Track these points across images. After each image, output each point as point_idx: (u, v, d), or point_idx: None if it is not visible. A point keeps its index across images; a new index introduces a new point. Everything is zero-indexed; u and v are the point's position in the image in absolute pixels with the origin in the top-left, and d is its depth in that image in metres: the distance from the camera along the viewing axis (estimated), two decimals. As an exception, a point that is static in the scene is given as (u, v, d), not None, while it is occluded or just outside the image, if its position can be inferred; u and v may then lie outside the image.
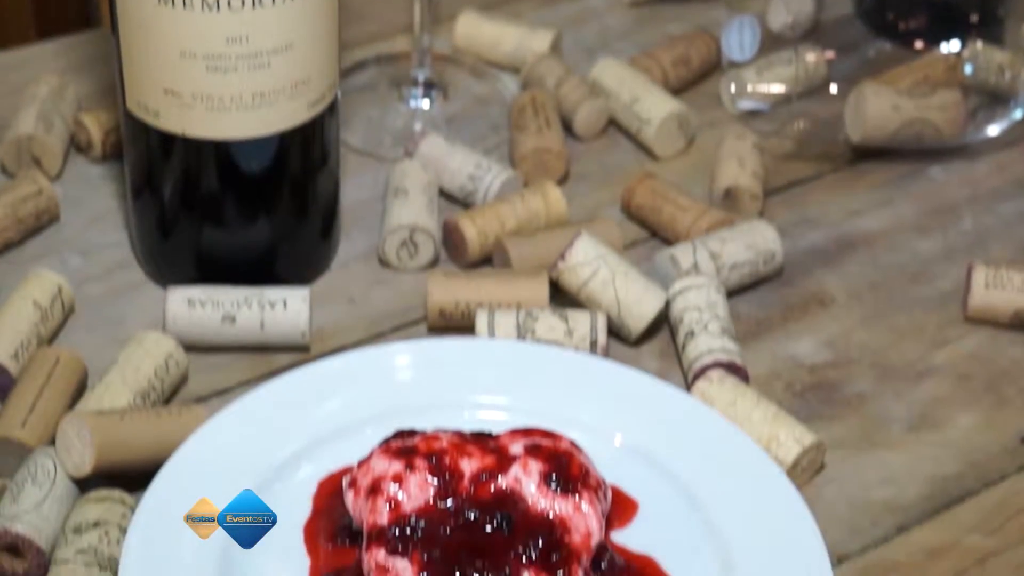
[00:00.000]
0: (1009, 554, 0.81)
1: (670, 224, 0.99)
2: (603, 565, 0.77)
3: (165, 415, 0.83)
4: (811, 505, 0.80)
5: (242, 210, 0.92)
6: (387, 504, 0.76)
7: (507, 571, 0.74)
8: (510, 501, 0.76)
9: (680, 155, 1.07)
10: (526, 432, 0.80)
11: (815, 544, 0.78)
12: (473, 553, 0.74)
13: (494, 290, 0.92)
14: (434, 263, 0.97)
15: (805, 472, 0.84)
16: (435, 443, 0.78)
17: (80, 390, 0.86)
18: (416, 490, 0.76)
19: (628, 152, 1.07)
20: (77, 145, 1.04)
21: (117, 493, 0.79)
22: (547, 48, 1.12)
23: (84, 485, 0.80)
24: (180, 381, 0.88)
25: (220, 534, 0.77)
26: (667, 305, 0.92)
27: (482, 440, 0.79)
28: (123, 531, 0.77)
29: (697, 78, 1.13)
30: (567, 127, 1.07)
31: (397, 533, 0.75)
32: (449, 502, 0.76)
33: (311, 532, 0.79)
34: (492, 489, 0.77)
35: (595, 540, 0.76)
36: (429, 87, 1.09)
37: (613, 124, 1.09)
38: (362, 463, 0.78)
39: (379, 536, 0.75)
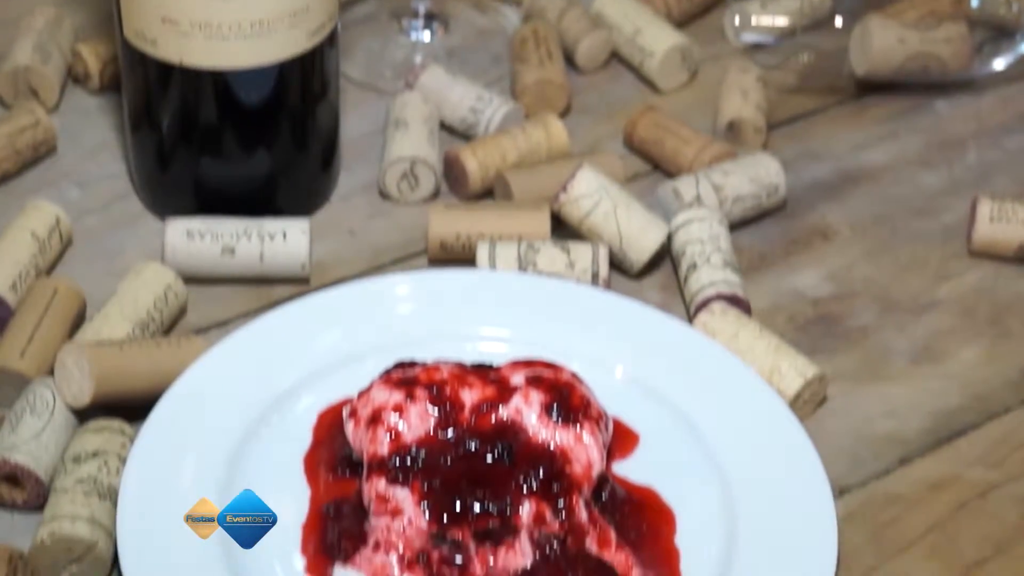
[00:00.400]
0: (1011, 486, 0.81)
1: (672, 157, 0.98)
2: (604, 496, 0.77)
3: (164, 346, 0.82)
4: (813, 437, 0.80)
5: (241, 141, 0.91)
6: (387, 434, 0.75)
7: (507, 501, 0.73)
8: (511, 432, 0.76)
9: (683, 88, 1.06)
10: (527, 363, 0.79)
11: (817, 476, 0.78)
12: (473, 483, 0.74)
13: (495, 222, 0.91)
14: (435, 196, 0.96)
15: (807, 404, 0.84)
16: (436, 374, 0.78)
17: (78, 321, 0.85)
18: (416, 420, 0.76)
19: (630, 85, 1.06)
20: (74, 76, 1.03)
21: (116, 423, 0.78)
22: (549, -20, 1.11)
23: (83, 416, 0.79)
24: (179, 313, 0.88)
25: (221, 468, 0.77)
26: (669, 238, 0.91)
27: (483, 371, 0.79)
28: (123, 461, 0.77)
29: (700, 11, 1.12)
30: (569, 60, 1.06)
31: (397, 463, 0.74)
32: (450, 432, 0.76)
33: (311, 463, 0.79)
34: (493, 420, 0.76)
35: (596, 471, 0.76)
36: (430, 19, 1.08)
37: (615, 57, 1.08)
38: (362, 394, 0.78)
39: (379, 466, 0.75)
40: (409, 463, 0.74)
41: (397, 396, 0.77)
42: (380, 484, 0.74)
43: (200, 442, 0.78)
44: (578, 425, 0.76)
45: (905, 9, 1.07)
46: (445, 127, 1.01)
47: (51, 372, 0.81)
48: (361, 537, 0.74)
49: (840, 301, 0.91)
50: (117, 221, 0.94)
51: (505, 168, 0.96)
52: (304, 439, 0.80)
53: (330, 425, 0.80)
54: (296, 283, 0.90)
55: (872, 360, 0.88)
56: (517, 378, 0.78)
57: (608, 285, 0.89)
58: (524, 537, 0.73)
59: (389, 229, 0.95)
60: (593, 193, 0.91)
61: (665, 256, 0.93)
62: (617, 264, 0.91)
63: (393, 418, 0.76)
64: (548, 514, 0.73)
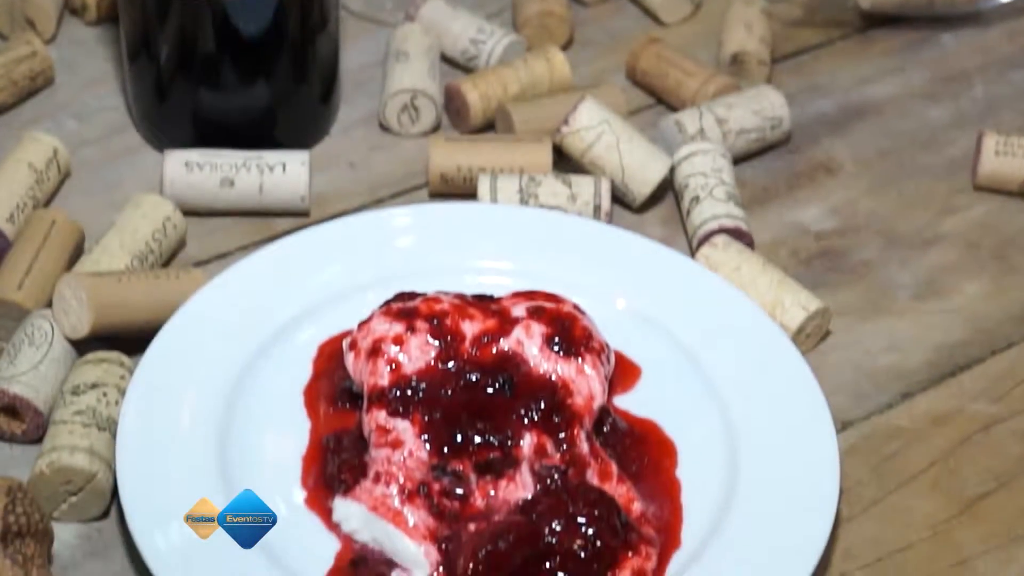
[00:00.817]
0: (1014, 421, 0.81)
1: (676, 90, 0.97)
2: (605, 429, 0.76)
3: (163, 278, 0.82)
4: (816, 371, 0.79)
5: (240, 73, 0.90)
6: (388, 366, 0.75)
7: (508, 433, 0.73)
8: (512, 363, 0.76)
9: (686, 21, 1.05)
10: (529, 295, 0.79)
11: (819, 410, 0.77)
12: (474, 414, 0.73)
13: (496, 155, 0.91)
14: (435, 128, 0.96)
15: (810, 338, 0.84)
16: (436, 305, 0.77)
17: (77, 253, 0.85)
18: (417, 352, 0.75)
19: (633, 17, 1.05)
20: (71, 7, 1.02)
21: (116, 355, 0.78)
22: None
23: (82, 348, 0.79)
24: (178, 245, 0.87)
25: (220, 400, 0.76)
26: (672, 171, 0.91)
27: (484, 303, 0.78)
28: (122, 393, 0.76)
29: (704, -57, 1.11)
30: (571, -8, 1.05)
31: (398, 394, 0.74)
32: (450, 364, 0.75)
33: (311, 395, 0.78)
34: (494, 351, 0.76)
35: (597, 403, 0.76)
36: (431, -50, 1.06)
37: (618, -11, 1.07)
38: (362, 325, 0.77)
39: (380, 397, 0.74)
40: (409, 394, 0.74)
41: (397, 327, 0.76)
42: (380, 416, 0.74)
43: (199, 374, 0.77)
44: (579, 357, 0.76)
45: (911, -59, 1.06)
46: (446, 59, 1.00)
47: (49, 304, 0.80)
48: (361, 469, 0.73)
49: (844, 235, 0.91)
50: (115, 153, 0.93)
51: (506, 100, 0.95)
52: (304, 371, 0.79)
53: (330, 357, 0.79)
54: (296, 216, 0.90)
55: (875, 294, 0.87)
56: (518, 310, 0.78)
57: (610, 218, 0.89)
58: (525, 469, 0.73)
59: (389, 162, 0.94)
60: (595, 125, 0.90)
61: (667, 190, 0.92)
62: (619, 197, 0.91)
63: (393, 350, 0.75)
64: (549, 446, 0.73)
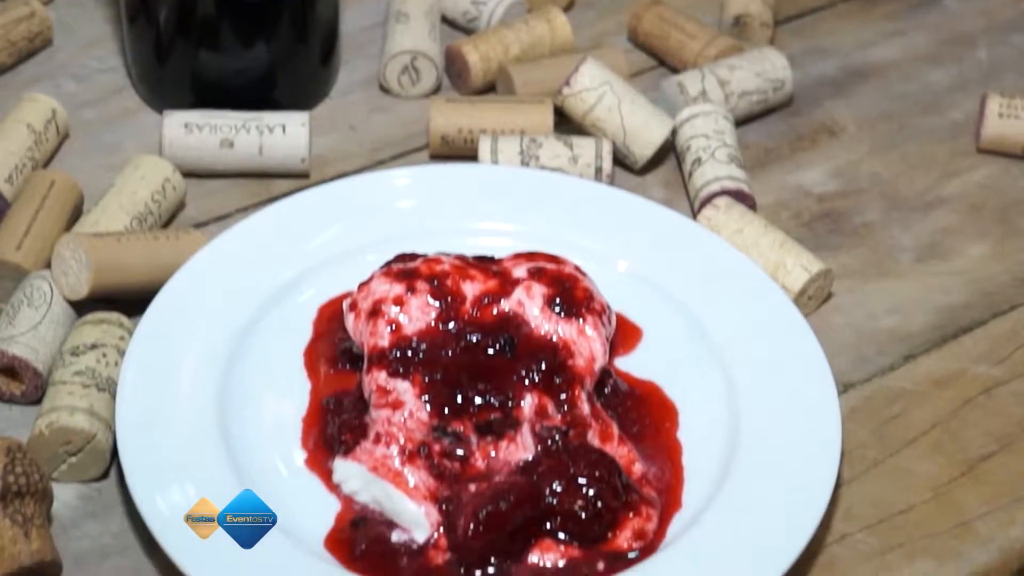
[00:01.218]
0: (1016, 384, 0.81)
1: (678, 51, 0.97)
2: (606, 390, 0.76)
3: (163, 239, 0.81)
4: (818, 333, 0.79)
5: (239, 34, 0.90)
6: (388, 327, 0.75)
7: (509, 394, 0.73)
8: (513, 324, 0.75)
9: (689, -18, 1.04)
10: (530, 256, 0.78)
11: (821, 372, 0.77)
12: (475, 375, 0.73)
13: (497, 116, 0.90)
14: (436, 90, 0.95)
15: (812, 300, 0.83)
16: (437, 266, 0.77)
17: (76, 214, 0.84)
18: (417, 312, 0.75)
19: (636, -21, 1.05)
20: (70, -32, 1.01)
21: (115, 316, 0.78)
22: None
23: (81, 309, 0.79)
24: (177, 206, 0.87)
25: (220, 361, 0.76)
26: (674, 133, 0.90)
27: (485, 263, 0.78)
28: (121, 353, 0.76)
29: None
30: (573, -48, 1.04)
31: (398, 355, 0.74)
32: (451, 325, 0.75)
33: (311, 356, 0.78)
34: (495, 312, 0.76)
35: (598, 364, 0.75)
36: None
37: (620, -50, 1.06)
38: (362, 286, 0.77)
39: (380, 358, 0.74)
40: (410, 355, 0.74)
41: (398, 288, 0.76)
42: (381, 376, 0.74)
43: (199, 336, 0.77)
44: (581, 318, 0.76)
45: (916, -98, 1.05)
46: (447, 21, 0.99)
47: (48, 265, 0.80)
48: (362, 430, 0.73)
49: (846, 198, 0.91)
50: (114, 114, 0.93)
51: (507, 62, 0.94)
52: (304, 333, 0.79)
53: (330, 318, 0.79)
54: (296, 178, 0.89)
55: (878, 257, 0.87)
56: (519, 271, 0.77)
57: (611, 180, 0.88)
58: (526, 430, 0.72)
59: (390, 124, 0.94)
60: (597, 87, 0.90)
61: (669, 152, 0.91)
62: (621, 159, 0.90)
63: (394, 310, 0.75)
64: (550, 407, 0.73)
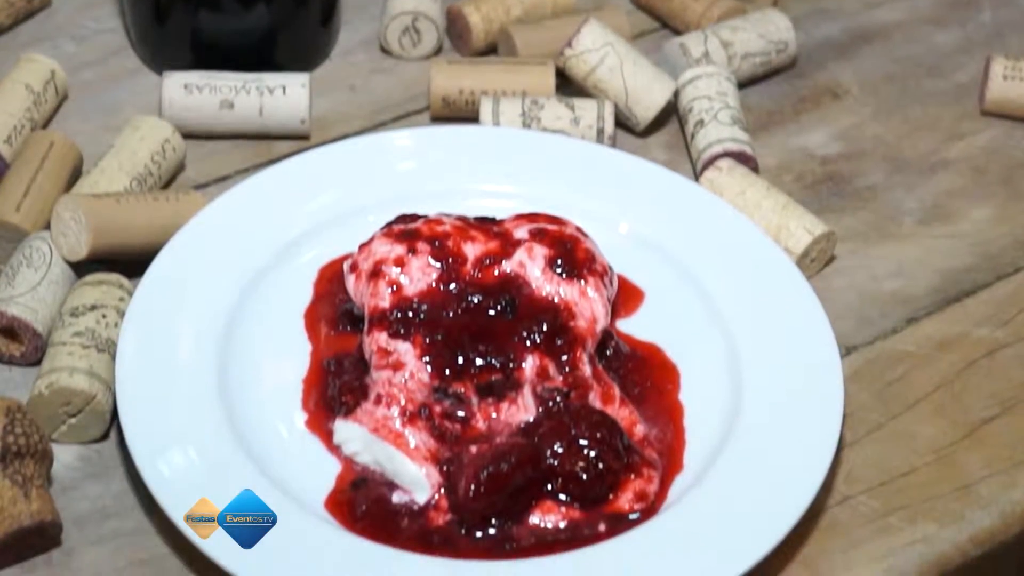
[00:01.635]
0: (1019, 346, 0.80)
1: (680, 13, 0.96)
2: (608, 352, 0.76)
3: (163, 200, 0.81)
4: (820, 296, 0.79)
5: (239, -6, 0.90)
6: (389, 288, 0.74)
7: (510, 355, 0.73)
8: (514, 285, 0.75)
9: (692, -56, 1.03)
10: (531, 217, 0.78)
11: (824, 334, 0.77)
12: (476, 337, 0.73)
13: (499, 78, 0.90)
14: (437, 51, 0.95)
15: (815, 263, 0.83)
16: (438, 227, 0.77)
17: (75, 175, 0.84)
18: (418, 273, 0.75)
19: (638, -60, 1.04)
20: (69, -72, 1.00)
21: (115, 277, 0.77)
22: None
23: (80, 270, 0.78)
24: (177, 168, 0.86)
25: (220, 322, 0.76)
26: (676, 95, 0.90)
27: (486, 224, 0.78)
28: (121, 315, 0.76)
29: None
30: (575, -87, 1.03)
31: (399, 316, 0.74)
32: (452, 286, 0.75)
33: (312, 318, 0.78)
34: (496, 273, 0.75)
35: (600, 326, 0.75)
36: None
37: (623, -90, 1.05)
38: (363, 246, 0.77)
39: (381, 319, 0.74)
40: (411, 316, 0.74)
41: (399, 249, 0.75)
42: (381, 338, 0.73)
43: (199, 297, 0.77)
44: (582, 280, 0.75)
45: None
46: (448, -19, 0.99)
47: (47, 226, 0.80)
48: (362, 391, 0.73)
49: (849, 160, 0.90)
50: (114, 76, 0.92)
51: (509, 23, 0.94)
52: (304, 294, 0.79)
53: (331, 280, 0.79)
54: (296, 139, 0.89)
55: (881, 219, 0.87)
56: (521, 232, 0.77)
57: (613, 142, 0.88)
58: (527, 391, 0.72)
59: (391, 85, 0.93)
60: (599, 48, 0.89)
61: (671, 114, 0.91)
62: (623, 121, 0.90)
63: (394, 271, 0.75)
64: (551, 368, 0.73)
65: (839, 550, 0.71)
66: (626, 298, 0.80)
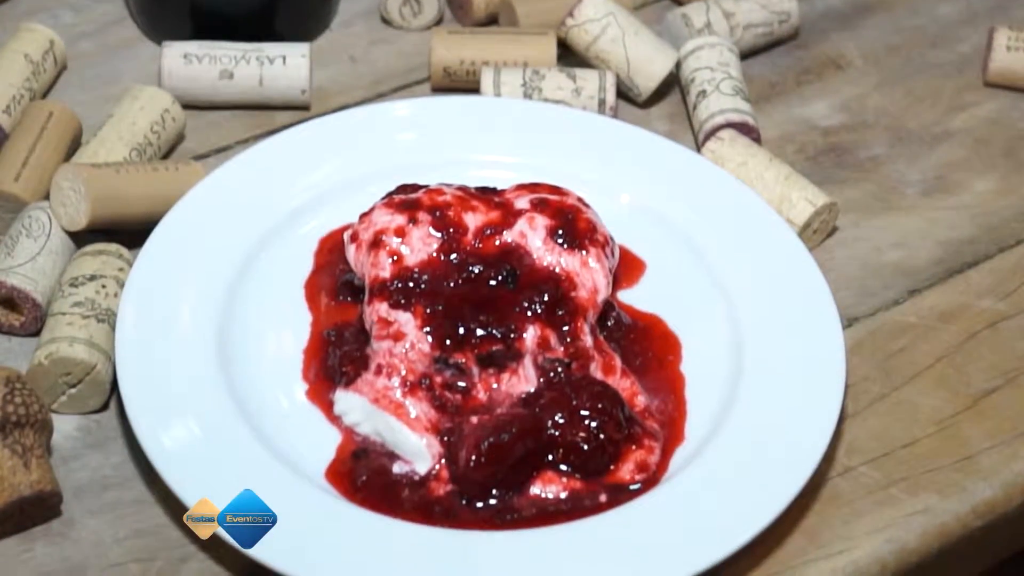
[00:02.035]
0: (1021, 318, 0.80)
1: (682, -16, 0.96)
2: (609, 323, 0.76)
3: (162, 170, 0.80)
4: (822, 267, 0.78)
5: (239, -37, 0.89)
6: (389, 258, 0.74)
7: (511, 325, 0.72)
8: (515, 255, 0.75)
9: (694, -86, 1.03)
10: (532, 187, 0.78)
11: (826, 305, 0.76)
12: (477, 307, 0.73)
13: (500, 48, 0.89)
14: (438, 22, 0.94)
15: (817, 234, 0.83)
16: (439, 197, 0.76)
17: (74, 145, 0.83)
18: (419, 244, 0.75)
19: (639, -89, 1.03)
20: (67, -102, 1.00)
21: (114, 247, 0.77)
22: None
23: (80, 240, 0.78)
24: (177, 138, 0.86)
25: (220, 293, 0.76)
26: (678, 65, 0.89)
27: (487, 195, 0.77)
28: (121, 285, 0.75)
29: None
30: None
31: (400, 286, 0.73)
32: (453, 256, 0.74)
33: (312, 288, 0.78)
34: (497, 243, 0.75)
35: (601, 297, 0.75)
36: None
37: None
38: (364, 216, 0.76)
39: (381, 290, 0.74)
40: (411, 286, 0.73)
41: (399, 219, 0.75)
42: (382, 308, 0.73)
43: (199, 268, 0.77)
44: (584, 250, 0.75)
45: None
46: (449, -48, 0.98)
47: (47, 196, 0.79)
48: (363, 362, 0.73)
49: (852, 131, 0.90)
50: (112, 46, 0.92)
51: (510, -7, 0.93)
52: (305, 264, 0.79)
53: (331, 250, 0.79)
54: (296, 110, 0.89)
55: (883, 191, 0.86)
56: (522, 202, 0.77)
57: (615, 113, 0.87)
58: (528, 362, 0.72)
59: (391, 56, 0.93)
60: (601, 18, 0.88)
61: (673, 86, 0.91)
62: (624, 92, 0.89)
63: (395, 241, 0.75)
64: (553, 339, 0.73)
65: (840, 521, 0.71)
66: (627, 269, 0.79)
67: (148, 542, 0.69)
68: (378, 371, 0.72)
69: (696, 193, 0.82)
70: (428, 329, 0.72)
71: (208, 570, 0.68)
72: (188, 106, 0.87)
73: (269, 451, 0.70)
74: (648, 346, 0.76)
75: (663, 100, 0.91)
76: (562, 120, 0.85)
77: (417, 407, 0.71)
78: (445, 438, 0.70)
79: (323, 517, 0.68)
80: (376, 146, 0.83)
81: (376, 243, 0.75)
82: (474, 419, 0.70)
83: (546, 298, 0.73)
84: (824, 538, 0.70)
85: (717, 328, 0.76)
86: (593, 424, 0.70)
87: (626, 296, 0.78)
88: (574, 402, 0.70)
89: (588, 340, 0.73)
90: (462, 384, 0.71)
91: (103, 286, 0.75)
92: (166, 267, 0.76)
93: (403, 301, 0.73)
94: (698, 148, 0.86)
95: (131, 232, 0.79)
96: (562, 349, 0.72)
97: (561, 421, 0.70)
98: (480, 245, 0.75)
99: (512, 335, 0.72)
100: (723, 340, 0.76)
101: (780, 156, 0.86)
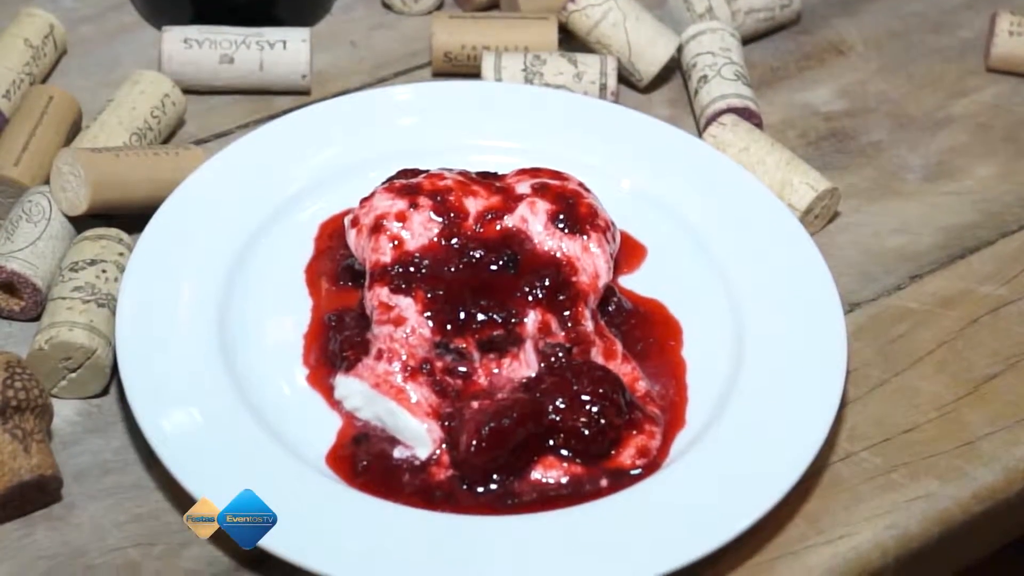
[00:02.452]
0: (1022, 303, 0.80)
1: (684, -32, 0.95)
2: (610, 308, 0.76)
3: (163, 155, 0.80)
4: (824, 252, 0.78)
5: (239, -52, 0.89)
6: (390, 242, 0.74)
7: (512, 310, 0.72)
8: (516, 240, 0.75)
9: (695, -101, 1.02)
10: (533, 172, 0.78)
11: (827, 291, 0.76)
12: (478, 292, 0.73)
13: (501, 33, 0.89)
14: (439, 6, 0.94)
15: (819, 219, 0.82)
16: (439, 182, 0.76)
17: (75, 130, 0.83)
18: (420, 228, 0.74)
19: None
20: None
21: (115, 232, 0.77)
22: None
23: (80, 225, 0.78)
24: (177, 123, 0.86)
25: (221, 278, 0.76)
26: (679, 50, 0.89)
27: (488, 180, 0.77)
28: (121, 269, 0.75)
29: None
30: None
31: (400, 271, 0.73)
32: (454, 241, 0.74)
33: (312, 273, 0.78)
34: (498, 228, 0.75)
35: (602, 282, 0.75)
36: None
37: None
38: (364, 201, 0.76)
39: (382, 274, 0.73)
40: (412, 271, 0.73)
41: (400, 204, 0.75)
42: (383, 293, 0.73)
43: (199, 252, 0.77)
44: (585, 235, 0.75)
45: None
46: (450, -64, 0.98)
47: (47, 180, 0.79)
48: (363, 346, 0.73)
49: (853, 117, 0.90)
50: (112, 31, 0.92)
51: (511, -22, 0.93)
52: (305, 249, 0.78)
53: (332, 235, 0.79)
54: (297, 95, 0.88)
55: (885, 176, 0.86)
56: (523, 187, 0.76)
57: (616, 98, 0.87)
58: (529, 347, 0.72)
59: (392, 40, 0.92)
60: (602, 3, 0.88)
61: (674, 71, 0.90)
62: (625, 76, 0.89)
63: (396, 226, 0.74)
64: (554, 324, 0.72)
65: (841, 506, 0.71)
66: (629, 254, 0.79)
67: (148, 527, 0.69)
68: (379, 356, 0.72)
69: (697, 178, 0.82)
70: (429, 314, 0.72)
71: (208, 555, 0.68)
72: (188, 91, 0.87)
73: (269, 436, 0.70)
74: (649, 331, 0.76)
75: (664, 85, 0.90)
76: (563, 105, 0.85)
77: (418, 392, 0.71)
78: (446, 423, 0.70)
79: (324, 502, 0.68)
80: (377, 131, 0.83)
81: (377, 228, 0.74)
82: (475, 404, 0.70)
83: (547, 283, 0.73)
84: (825, 523, 0.70)
85: (718, 313, 0.76)
86: (594, 409, 0.70)
87: (627, 281, 0.78)
88: (575, 387, 0.70)
89: (589, 325, 0.73)
90: (463, 369, 0.71)
91: (103, 271, 0.75)
92: (166, 252, 0.76)
93: (404, 286, 0.73)
94: (699, 133, 0.86)
95: (131, 217, 0.79)
96: (563, 334, 0.72)
97: (562, 406, 0.70)
98: (481, 230, 0.75)
99: (513, 320, 0.72)
100: (724, 325, 0.76)
101: (782, 141, 0.86)
